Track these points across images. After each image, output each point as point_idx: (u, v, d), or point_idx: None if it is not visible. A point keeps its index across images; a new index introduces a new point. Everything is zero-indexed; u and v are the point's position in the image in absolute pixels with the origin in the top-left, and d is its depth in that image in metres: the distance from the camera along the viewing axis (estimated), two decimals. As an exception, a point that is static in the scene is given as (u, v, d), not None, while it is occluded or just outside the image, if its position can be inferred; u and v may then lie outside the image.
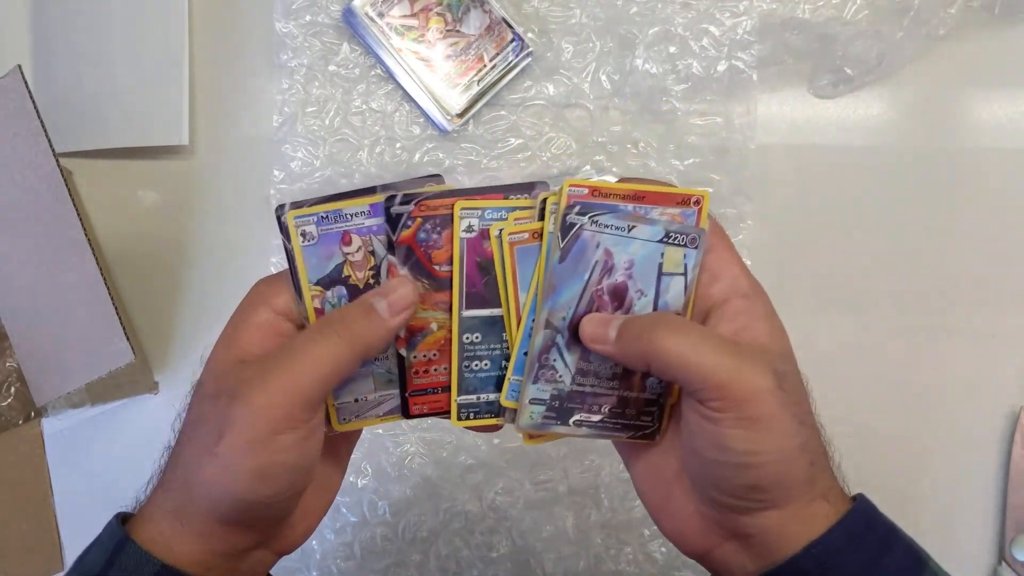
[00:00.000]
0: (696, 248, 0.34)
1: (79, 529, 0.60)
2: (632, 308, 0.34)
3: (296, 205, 0.35)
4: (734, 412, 0.32)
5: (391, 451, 0.59)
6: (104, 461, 0.61)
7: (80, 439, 0.61)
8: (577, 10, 0.59)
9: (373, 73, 0.60)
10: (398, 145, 0.60)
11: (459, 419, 0.36)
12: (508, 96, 0.59)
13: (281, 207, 0.35)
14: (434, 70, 0.58)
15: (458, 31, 0.58)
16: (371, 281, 0.36)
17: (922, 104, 0.59)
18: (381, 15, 0.58)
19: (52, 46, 0.62)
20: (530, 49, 0.58)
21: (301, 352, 0.34)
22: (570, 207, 0.33)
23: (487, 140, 0.59)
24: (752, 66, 0.58)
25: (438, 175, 0.37)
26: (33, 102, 0.52)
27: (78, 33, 0.61)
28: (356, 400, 0.37)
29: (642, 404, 0.36)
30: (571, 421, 0.35)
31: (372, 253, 0.35)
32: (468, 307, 0.35)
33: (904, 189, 0.59)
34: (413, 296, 0.34)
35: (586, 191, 0.34)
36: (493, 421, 0.36)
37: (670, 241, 0.34)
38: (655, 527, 0.58)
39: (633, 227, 0.34)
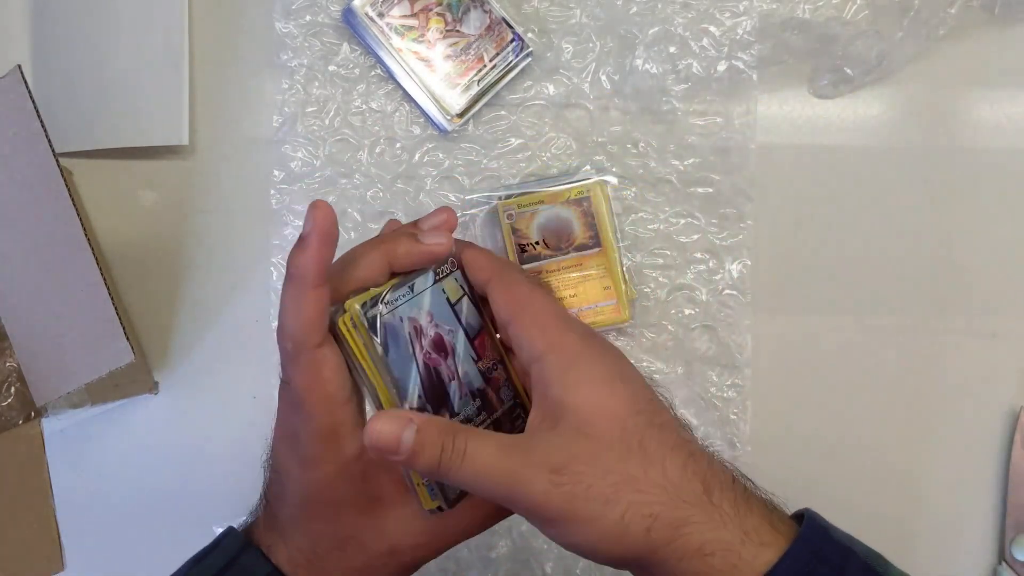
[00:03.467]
0: (458, 268, 0.39)
1: (79, 529, 0.60)
2: (455, 348, 0.37)
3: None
4: (534, 520, 0.32)
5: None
6: (104, 461, 0.61)
7: (80, 439, 0.61)
8: (577, 10, 0.59)
9: (373, 73, 0.60)
10: (398, 145, 0.60)
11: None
12: (508, 96, 0.59)
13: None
14: (434, 70, 0.58)
15: (458, 31, 0.58)
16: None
17: (922, 104, 0.59)
18: (381, 15, 0.58)
19: (52, 46, 0.62)
20: (530, 49, 0.58)
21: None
22: (363, 308, 0.35)
23: (487, 140, 0.59)
24: (752, 66, 0.58)
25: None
26: (33, 102, 0.52)
27: (78, 33, 0.61)
28: None
29: (508, 413, 0.39)
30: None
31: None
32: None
33: (904, 189, 0.59)
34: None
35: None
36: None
37: (440, 277, 0.38)
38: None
39: (412, 285, 0.37)
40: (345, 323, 0.35)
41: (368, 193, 0.60)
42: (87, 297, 0.52)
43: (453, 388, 0.37)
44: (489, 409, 0.38)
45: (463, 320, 0.38)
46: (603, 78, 0.59)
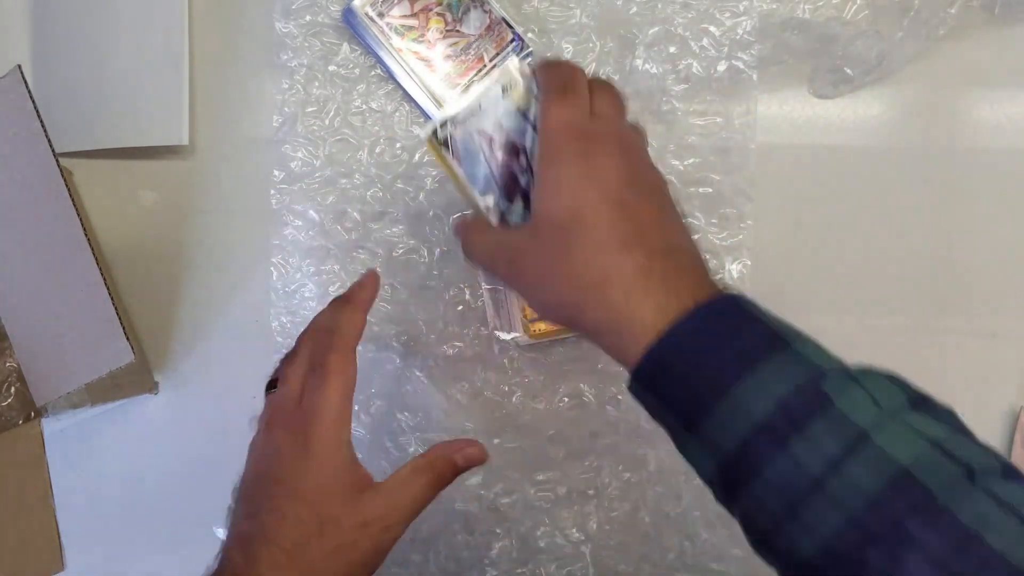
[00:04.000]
0: (530, 77, 0.43)
1: (79, 529, 0.60)
2: (526, 146, 0.43)
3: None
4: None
5: (391, 452, 0.59)
6: (104, 461, 0.61)
7: (80, 439, 0.61)
8: (577, 10, 0.59)
9: (373, 73, 0.60)
10: (398, 145, 0.60)
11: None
12: (508, 96, 0.59)
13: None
14: (434, 70, 0.58)
15: (458, 31, 0.58)
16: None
17: (922, 104, 0.59)
18: (381, 15, 0.58)
19: (52, 46, 0.62)
20: (530, 49, 0.58)
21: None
22: (433, 132, 0.44)
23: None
24: (752, 66, 0.58)
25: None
26: (33, 102, 0.52)
27: (78, 33, 0.61)
28: None
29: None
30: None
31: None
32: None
33: (904, 189, 0.59)
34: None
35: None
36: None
37: (507, 90, 0.43)
38: (655, 527, 0.58)
39: (480, 103, 0.43)
40: (431, 143, 0.44)
41: (368, 193, 0.60)
42: (87, 297, 0.52)
43: (525, 179, 0.43)
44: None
45: (531, 120, 0.43)
46: (603, 78, 0.59)
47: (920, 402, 0.35)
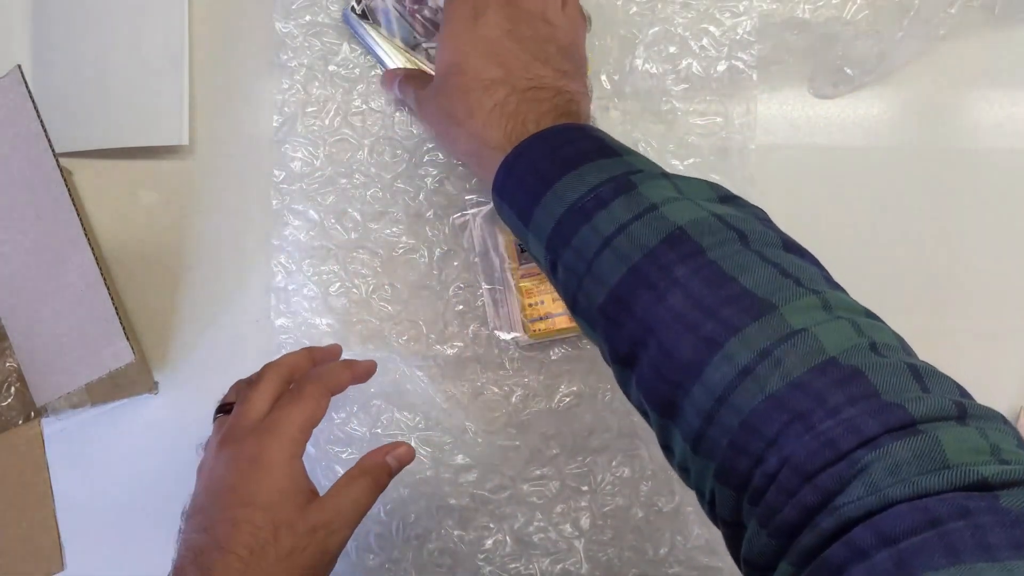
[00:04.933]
0: None
1: (79, 529, 0.60)
2: None
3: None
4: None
5: (391, 451, 0.59)
6: (104, 461, 0.61)
7: (80, 439, 0.61)
8: (577, 10, 0.59)
9: (373, 73, 0.60)
10: (398, 145, 0.60)
11: None
12: (508, 96, 0.59)
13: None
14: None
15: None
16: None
17: (922, 104, 0.59)
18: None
19: (52, 46, 0.62)
20: None
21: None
22: (351, 7, 0.57)
23: (487, 140, 0.59)
24: (752, 66, 0.58)
25: None
26: (33, 102, 0.52)
27: (78, 33, 0.61)
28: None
29: None
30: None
31: None
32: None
33: (904, 189, 0.59)
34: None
35: None
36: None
37: None
38: (647, 523, 0.59)
39: None
40: (352, 18, 0.53)
41: (368, 193, 0.60)
42: (87, 297, 0.52)
43: (440, 17, 0.50)
44: None
45: None
46: (603, 78, 0.59)
47: (729, 198, 0.39)
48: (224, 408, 0.50)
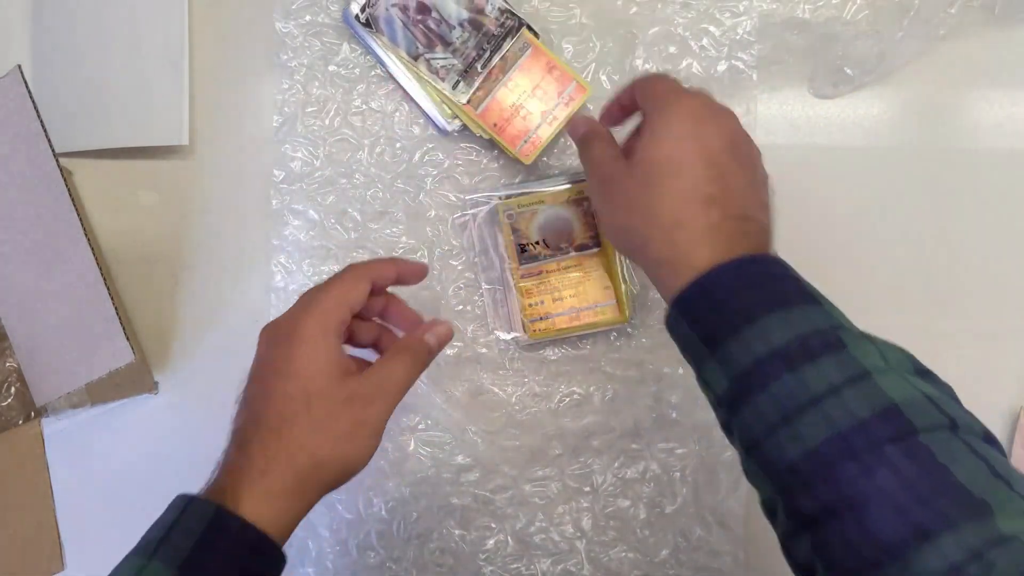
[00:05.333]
0: None
1: (79, 529, 0.60)
2: (435, 3, 0.54)
3: None
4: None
5: (391, 452, 0.59)
6: (104, 461, 0.61)
7: (80, 439, 0.61)
8: (577, 10, 0.59)
9: (373, 73, 0.60)
10: (398, 145, 0.60)
11: None
12: (508, 96, 0.59)
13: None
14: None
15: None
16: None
17: (922, 104, 0.59)
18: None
19: (52, 46, 0.62)
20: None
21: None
22: (355, 16, 0.57)
23: (486, 140, 0.59)
24: (752, 66, 0.58)
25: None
26: (33, 102, 0.52)
27: (78, 33, 0.61)
28: None
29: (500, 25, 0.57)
30: None
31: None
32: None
33: (904, 189, 0.59)
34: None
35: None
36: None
37: None
38: (649, 524, 0.59)
39: None
40: (351, 16, 0.54)
41: (368, 193, 0.60)
42: (87, 297, 0.52)
43: (443, 29, 0.52)
44: (476, 25, 0.54)
45: None
46: (603, 78, 0.59)
47: (924, 372, 0.38)
48: None
